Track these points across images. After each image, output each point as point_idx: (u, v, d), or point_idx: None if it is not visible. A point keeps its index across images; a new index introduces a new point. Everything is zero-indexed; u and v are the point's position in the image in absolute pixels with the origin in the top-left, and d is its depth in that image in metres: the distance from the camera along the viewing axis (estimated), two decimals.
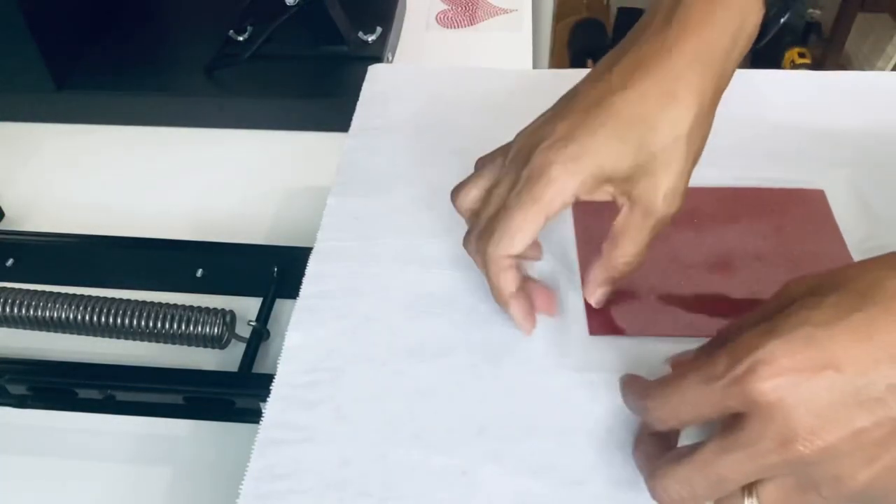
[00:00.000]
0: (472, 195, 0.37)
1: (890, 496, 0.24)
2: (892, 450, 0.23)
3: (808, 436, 0.23)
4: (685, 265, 0.40)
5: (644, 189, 0.33)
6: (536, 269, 0.41)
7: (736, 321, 0.28)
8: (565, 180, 0.33)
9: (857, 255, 0.41)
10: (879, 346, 0.23)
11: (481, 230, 0.35)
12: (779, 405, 0.23)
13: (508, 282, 0.35)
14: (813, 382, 0.23)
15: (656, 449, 0.30)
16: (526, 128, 0.37)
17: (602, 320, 0.38)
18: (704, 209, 0.43)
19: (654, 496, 0.27)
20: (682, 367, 0.27)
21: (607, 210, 0.40)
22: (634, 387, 0.30)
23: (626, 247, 0.34)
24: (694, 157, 0.34)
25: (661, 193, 0.33)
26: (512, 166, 0.35)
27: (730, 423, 0.25)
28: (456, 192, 0.38)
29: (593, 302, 0.37)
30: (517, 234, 0.33)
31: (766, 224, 0.42)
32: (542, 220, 0.33)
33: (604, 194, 0.34)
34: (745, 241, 0.41)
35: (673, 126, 0.33)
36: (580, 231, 0.43)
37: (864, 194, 0.44)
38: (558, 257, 0.41)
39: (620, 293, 0.38)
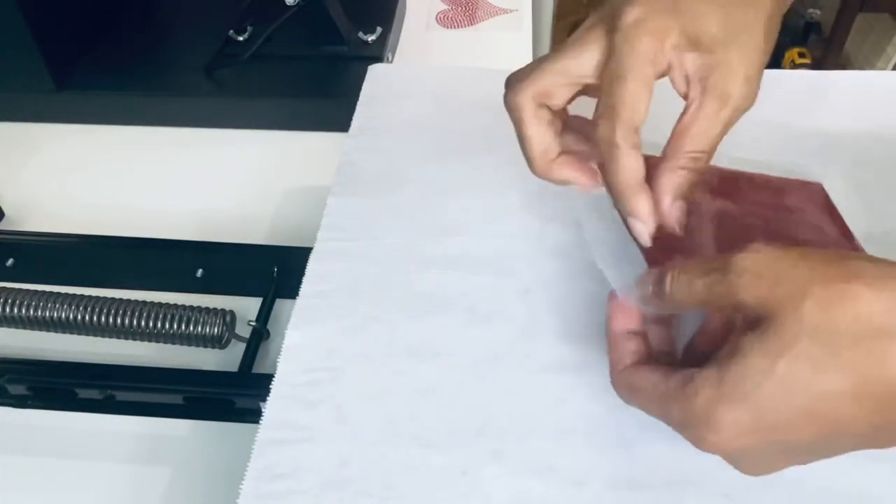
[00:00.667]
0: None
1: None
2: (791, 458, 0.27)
3: (741, 467, 0.28)
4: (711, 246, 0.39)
5: (722, 74, 0.32)
6: (537, 274, 0.41)
7: (701, 336, 0.31)
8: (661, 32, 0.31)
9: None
10: (825, 419, 0.25)
11: (600, 112, 0.33)
12: (731, 460, 0.27)
13: (635, 165, 0.32)
14: (761, 445, 0.26)
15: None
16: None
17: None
18: (728, 191, 0.42)
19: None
20: (646, 376, 0.29)
21: None
22: (612, 361, 0.31)
23: (697, 140, 0.32)
24: (767, 52, 0.33)
25: (740, 79, 0.31)
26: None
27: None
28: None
29: (665, 214, 0.33)
30: (636, 102, 0.32)
31: (777, 209, 0.41)
32: (651, 77, 0.32)
33: (681, 71, 0.33)
34: (761, 226, 0.40)
35: (758, 8, 0.32)
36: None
37: (862, 194, 0.44)
38: (563, 256, 0.41)
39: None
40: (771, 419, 0.25)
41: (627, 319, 0.31)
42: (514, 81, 0.35)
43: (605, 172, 0.33)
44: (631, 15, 0.31)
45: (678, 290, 0.28)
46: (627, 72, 0.32)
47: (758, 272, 0.25)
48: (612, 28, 0.32)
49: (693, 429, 0.26)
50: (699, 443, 0.26)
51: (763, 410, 0.25)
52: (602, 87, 0.33)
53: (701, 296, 0.27)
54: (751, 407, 0.25)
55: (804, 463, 0.27)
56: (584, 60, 0.33)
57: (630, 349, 0.31)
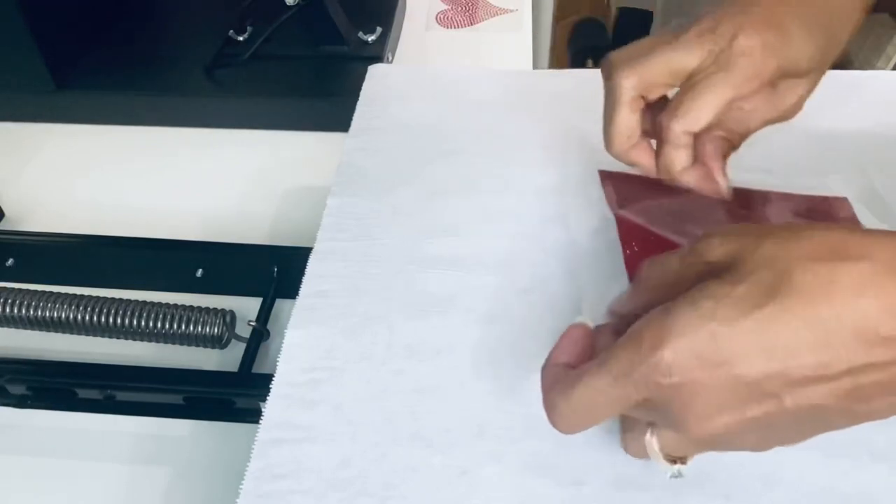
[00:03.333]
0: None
1: (779, 444, 0.27)
2: (776, 430, 0.25)
3: (701, 422, 0.25)
4: None
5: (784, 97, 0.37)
6: (537, 274, 0.41)
7: (666, 293, 0.28)
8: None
9: None
10: (774, 341, 0.24)
11: (670, 107, 0.36)
12: (678, 396, 0.25)
13: (681, 159, 0.36)
14: (709, 378, 0.24)
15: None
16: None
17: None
18: (736, 209, 0.42)
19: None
20: (585, 369, 0.27)
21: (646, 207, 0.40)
22: (542, 383, 0.29)
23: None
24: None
25: (796, 99, 0.37)
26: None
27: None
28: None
29: (717, 177, 0.37)
30: (701, 110, 0.35)
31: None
32: (730, 98, 0.35)
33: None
34: None
35: (836, 41, 0.37)
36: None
37: (862, 193, 0.44)
38: (563, 256, 0.41)
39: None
40: (723, 348, 0.24)
41: (570, 351, 0.30)
42: (622, 63, 0.37)
43: (658, 156, 0.37)
44: (746, 43, 0.34)
45: (653, 270, 0.29)
46: (716, 86, 0.35)
47: (725, 234, 0.26)
48: (724, 45, 0.35)
49: (639, 376, 0.25)
50: (648, 389, 0.25)
51: (715, 337, 0.24)
52: (686, 84, 0.36)
53: (674, 268, 0.28)
54: (702, 334, 0.24)
55: (763, 424, 0.25)
56: (691, 61, 0.35)
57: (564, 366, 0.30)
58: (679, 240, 0.40)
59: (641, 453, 0.29)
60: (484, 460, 0.33)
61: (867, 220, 0.42)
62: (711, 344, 0.24)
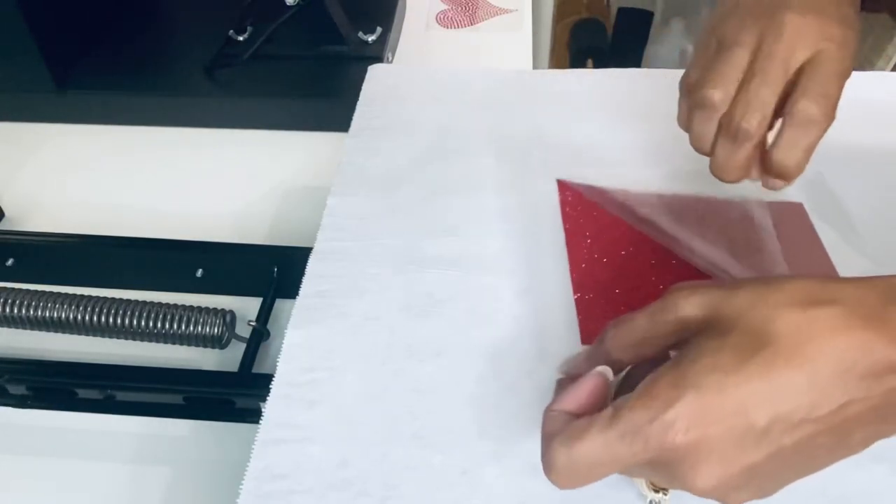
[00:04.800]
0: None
1: (765, 496, 0.27)
2: (773, 474, 0.26)
3: (709, 475, 0.25)
4: (675, 274, 0.40)
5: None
6: (537, 275, 0.41)
7: (640, 365, 0.29)
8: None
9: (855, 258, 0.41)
10: (778, 391, 0.24)
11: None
12: (690, 453, 0.25)
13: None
14: (723, 431, 0.24)
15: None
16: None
17: (594, 330, 0.38)
18: (692, 217, 0.43)
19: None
20: (588, 423, 0.26)
21: (596, 218, 0.39)
22: (542, 433, 0.28)
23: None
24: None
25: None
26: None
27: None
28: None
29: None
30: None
31: (752, 236, 0.42)
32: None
33: None
34: (732, 252, 0.41)
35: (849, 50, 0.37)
36: (570, 238, 0.43)
37: (860, 194, 0.44)
38: (562, 256, 0.41)
39: (610, 303, 0.38)
40: (731, 397, 0.24)
41: (579, 400, 0.29)
42: None
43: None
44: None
45: (620, 331, 0.29)
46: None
47: (693, 289, 0.27)
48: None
49: (653, 432, 0.25)
50: (659, 448, 0.25)
51: (722, 388, 0.24)
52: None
53: (643, 326, 0.28)
54: (710, 387, 0.25)
55: (762, 471, 0.25)
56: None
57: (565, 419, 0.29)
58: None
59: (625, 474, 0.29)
60: (484, 460, 0.33)
61: (853, 213, 0.42)
62: (720, 396, 0.24)
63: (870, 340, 0.24)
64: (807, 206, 0.44)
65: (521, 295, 0.40)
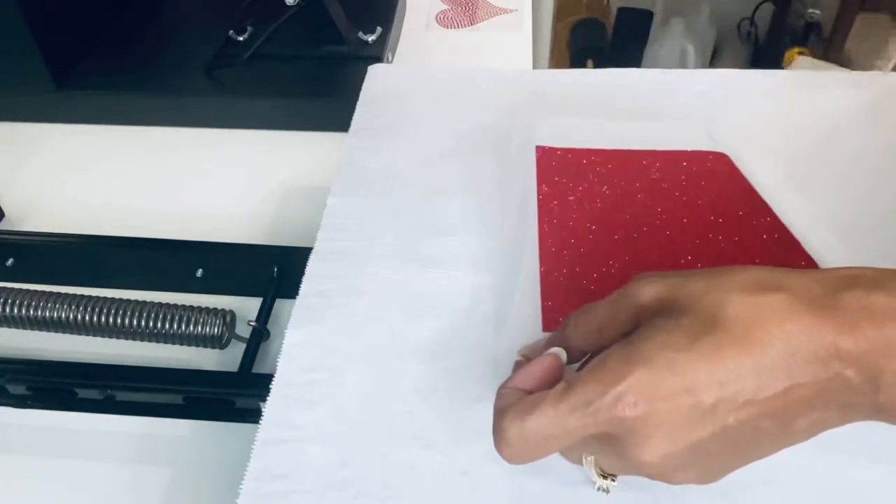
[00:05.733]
0: None
1: (708, 482, 0.28)
2: (718, 454, 0.26)
3: (654, 451, 0.26)
4: (640, 262, 0.40)
5: None
6: (537, 268, 0.41)
7: (583, 316, 0.30)
8: None
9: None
10: (726, 371, 0.25)
11: None
12: (638, 426, 0.25)
13: None
14: (672, 407, 0.25)
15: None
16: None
17: (554, 318, 0.38)
18: (648, 171, 0.44)
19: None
20: (540, 398, 0.27)
21: (568, 209, 0.40)
22: (495, 407, 0.29)
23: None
24: None
25: None
26: None
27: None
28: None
29: None
30: None
31: (691, 195, 0.43)
32: None
33: None
34: (689, 221, 0.42)
35: None
36: (543, 230, 0.43)
37: (861, 193, 0.44)
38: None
39: (572, 290, 0.38)
40: (681, 375, 0.25)
41: (533, 379, 0.30)
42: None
43: None
44: None
45: (581, 317, 0.30)
46: None
47: (651, 278, 0.28)
48: None
49: (602, 406, 0.25)
50: (608, 422, 0.25)
51: (672, 365, 0.25)
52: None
53: (604, 314, 0.29)
54: (661, 364, 0.25)
55: (707, 450, 0.26)
56: None
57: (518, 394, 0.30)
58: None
59: (575, 460, 0.29)
60: (484, 460, 0.33)
61: (851, 213, 0.42)
62: (670, 373, 0.25)
63: (815, 326, 0.24)
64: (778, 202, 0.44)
65: (521, 295, 0.40)
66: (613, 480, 0.29)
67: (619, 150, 0.46)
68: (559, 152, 0.46)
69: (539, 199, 0.43)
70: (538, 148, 0.46)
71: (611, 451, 0.27)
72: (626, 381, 0.25)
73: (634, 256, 0.40)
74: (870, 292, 0.25)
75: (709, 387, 0.25)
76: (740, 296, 0.26)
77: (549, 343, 0.31)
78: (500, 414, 0.28)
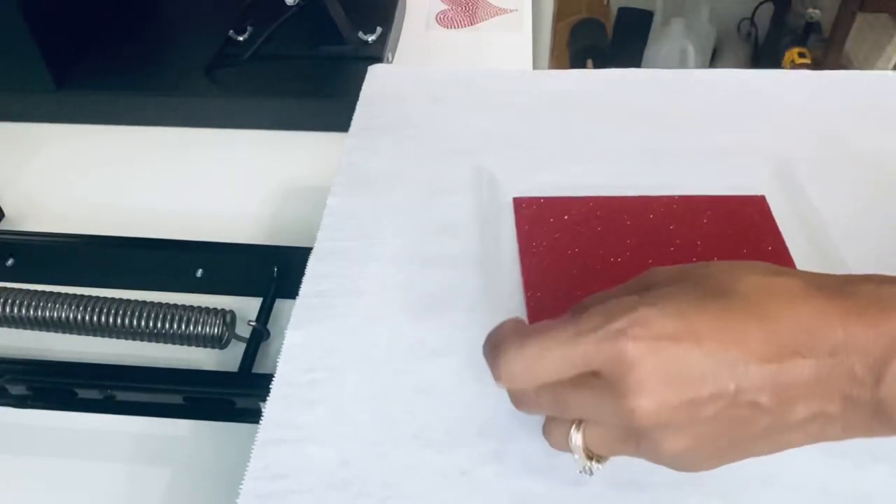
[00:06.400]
0: None
1: (698, 465, 0.27)
2: (713, 426, 0.25)
3: (649, 397, 0.25)
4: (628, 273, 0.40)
5: None
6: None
7: (598, 294, 0.29)
8: None
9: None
10: (732, 332, 0.24)
11: None
12: (638, 364, 0.25)
13: None
14: (673, 350, 0.24)
15: None
16: None
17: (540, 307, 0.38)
18: (649, 218, 0.43)
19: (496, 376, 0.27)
20: (542, 324, 0.26)
21: (548, 213, 0.41)
22: (492, 336, 0.28)
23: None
24: None
25: None
26: None
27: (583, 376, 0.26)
28: None
29: None
30: None
31: (709, 232, 0.42)
32: None
33: None
34: (687, 250, 0.41)
35: None
36: (522, 236, 0.42)
37: (860, 194, 0.44)
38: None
39: (561, 300, 0.38)
40: (688, 323, 0.25)
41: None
42: None
43: None
44: None
45: (592, 299, 0.28)
46: None
47: (666, 267, 0.28)
48: None
49: (605, 335, 0.25)
50: (608, 355, 0.25)
51: (682, 314, 0.25)
52: None
53: (618, 293, 0.28)
54: (669, 311, 0.25)
55: (704, 417, 0.25)
56: None
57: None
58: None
59: (561, 444, 0.29)
60: (484, 460, 0.33)
61: (849, 213, 0.42)
62: (677, 318, 0.25)
63: (825, 308, 0.24)
64: (775, 203, 0.44)
65: (521, 295, 0.40)
66: (599, 462, 0.28)
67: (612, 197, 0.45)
68: (541, 202, 0.45)
69: (521, 249, 0.42)
70: (515, 199, 0.45)
71: (604, 401, 0.26)
72: (633, 315, 0.25)
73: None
74: (881, 285, 0.25)
75: (713, 341, 0.24)
76: (754, 276, 0.26)
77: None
78: (499, 335, 0.27)
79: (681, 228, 0.42)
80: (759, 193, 0.44)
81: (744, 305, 0.25)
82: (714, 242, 0.41)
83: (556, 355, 0.26)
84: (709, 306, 0.25)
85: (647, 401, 0.25)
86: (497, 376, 0.27)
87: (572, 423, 0.28)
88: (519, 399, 0.29)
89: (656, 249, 0.41)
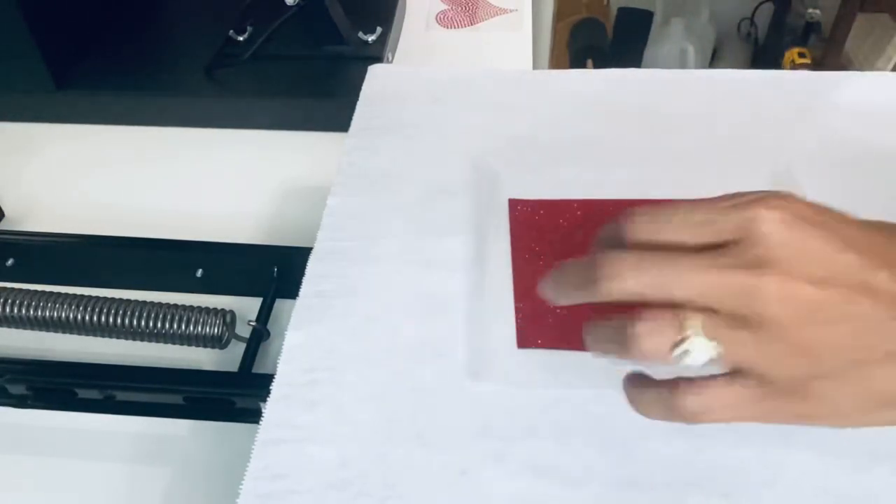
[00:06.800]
0: None
1: (814, 381, 0.24)
2: (838, 327, 0.23)
3: (780, 272, 0.22)
4: None
5: None
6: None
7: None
8: None
9: None
10: (871, 243, 0.23)
11: None
12: (771, 235, 0.23)
13: None
14: (811, 231, 0.23)
15: None
16: None
17: (531, 334, 0.38)
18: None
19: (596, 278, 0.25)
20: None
21: (542, 215, 0.41)
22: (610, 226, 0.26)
23: None
24: None
25: None
26: None
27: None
28: None
29: None
30: None
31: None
32: None
33: None
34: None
35: None
36: (514, 239, 0.42)
37: (860, 194, 0.44)
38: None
39: (550, 312, 0.38)
40: (827, 214, 0.24)
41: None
42: None
43: None
44: None
45: (679, 210, 0.26)
46: None
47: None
48: None
49: (747, 203, 0.23)
50: (749, 221, 0.23)
51: (819, 207, 0.24)
52: None
53: (709, 208, 0.26)
54: (807, 202, 0.24)
55: (843, 314, 0.23)
56: None
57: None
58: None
59: (655, 335, 0.24)
60: (484, 460, 0.33)
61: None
62: (819, 210, 0.24)
63: None
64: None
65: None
66: (717, 347, 0.24)
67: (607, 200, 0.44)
68: (535, 204, 0.45)
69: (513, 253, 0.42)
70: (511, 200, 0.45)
71: (725, 273, 0.23)
72: (771, 192, 0.24)
73: None
74: None
75: (854, 243, 0.23)
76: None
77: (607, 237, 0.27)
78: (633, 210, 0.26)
79: None
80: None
81: (887, 231, 0.24)
82: None
83: (683, 215, 0.24)
84: (845, 215, 0.24)
85: (776, 276, 0.22)
86: (622, 224, 0.25)
87: (671, 309, 0.24)
88: (618, 267, 0.25)
89: None
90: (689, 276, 0.24)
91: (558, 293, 0.27)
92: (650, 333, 0.24)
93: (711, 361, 0.24)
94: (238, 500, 0.31)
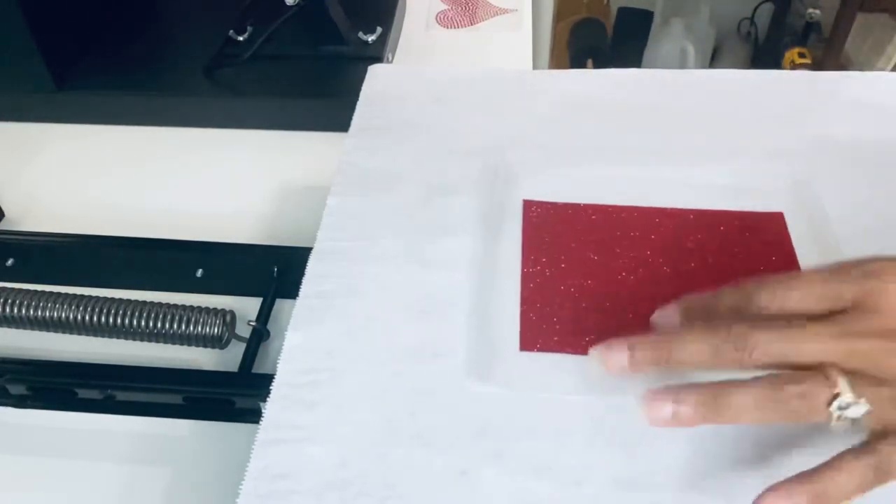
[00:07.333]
0: None
1: None
2: None
3: None
4: (630, 289, 0.40)
5: None
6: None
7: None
8: None
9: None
10: None
11: None
12: (892, 302, 0.26)
13: None
14: None
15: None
16: None
17: (534, 337, 0.38)
18: (657, 231, 0.43)
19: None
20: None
21: (555, 221, 0.40)
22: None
23: None
24: None
25: None
26: None
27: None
28: None
29: None
30: None
31: (719, 248, 0.42)
32: None
33: None
34: (694, 266, 0.41)
35: None
36: (527, 241, 0.42)
37: (860, 194, 0.44)
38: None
39: (560, 311, 0.38)
40: None
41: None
42: None
43: None
44: None
45: (794, 283, 0.30)
46: None
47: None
48: None
49: (859, 273, 0.27)
50: (868, 281, 0.27)
51: None
52: None
53: (825, 279, 0.29)
54: None
55: None
56: None
57: None
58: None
59: (806, 398, 0.27)
60: (484, 460, 0.33)
61: (849, 215, 0.42)
62: None
63: None
64: (788, 217, 0.43)
65: (520, 297, 0.40)
66: (860, 404, 0.26)
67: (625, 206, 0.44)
68: (549, 206, 0.44)
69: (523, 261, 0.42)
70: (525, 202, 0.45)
71: (854, 321, 0.27)
72: (886, 264, 0.27)
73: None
74: None
75: None
76: None
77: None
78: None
79: (692, 244, 0.42)
80: (757, 192, 0.44)
81: None
82: (728, 260, 0.41)
83: (805, 285, 0.28)
84: None
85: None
86: (750, 290, 0.29)
87: (820, 369, 0.27)
88: (764, 336, 0.28)
89: (664, 267, 0.41)
90: (831, 342, 0.27)
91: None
92: (805, 393, 0.27)
93: (857, 421, 0.27)
94: (238, 500, 0.31)
